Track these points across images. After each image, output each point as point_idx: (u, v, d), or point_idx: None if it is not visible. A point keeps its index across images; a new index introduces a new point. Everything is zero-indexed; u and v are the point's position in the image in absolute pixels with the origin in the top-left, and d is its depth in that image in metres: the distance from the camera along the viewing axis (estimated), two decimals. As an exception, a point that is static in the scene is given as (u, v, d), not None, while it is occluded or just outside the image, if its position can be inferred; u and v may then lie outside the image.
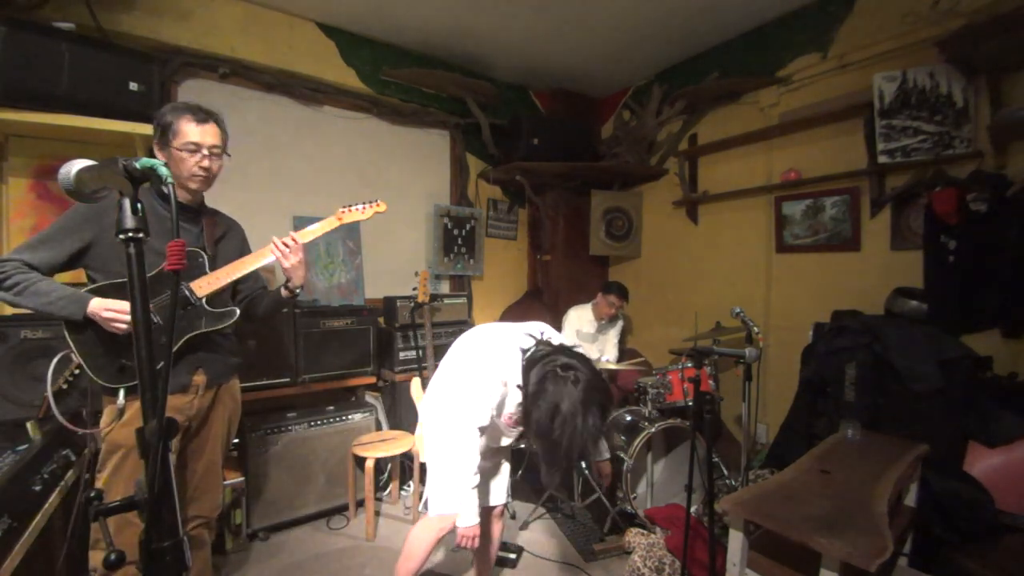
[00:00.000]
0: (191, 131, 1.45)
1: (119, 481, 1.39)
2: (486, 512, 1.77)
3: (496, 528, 1.86)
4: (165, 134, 1.45)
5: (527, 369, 1.39)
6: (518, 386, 1.40)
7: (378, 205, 1.81)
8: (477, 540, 1.48)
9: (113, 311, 1.31)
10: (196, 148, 1.46)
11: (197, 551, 1.63)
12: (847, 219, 2.72)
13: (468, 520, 1.46)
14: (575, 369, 1.33)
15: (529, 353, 1.44)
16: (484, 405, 1.46)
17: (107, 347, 1.38)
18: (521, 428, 1.54)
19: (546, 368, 1.35)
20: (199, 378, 1.52)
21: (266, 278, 1.76)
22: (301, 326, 2.67)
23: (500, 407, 1.51)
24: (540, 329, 1.56)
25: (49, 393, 1.53)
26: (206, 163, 1.49)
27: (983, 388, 2.08)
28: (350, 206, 1.78)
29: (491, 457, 1.73)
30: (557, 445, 1.29)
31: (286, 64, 2.91)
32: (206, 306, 1.51)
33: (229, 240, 1.68)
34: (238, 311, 1.58)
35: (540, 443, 1.34)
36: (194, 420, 1.55)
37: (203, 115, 1.48)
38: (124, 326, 1.32)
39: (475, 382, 1.48)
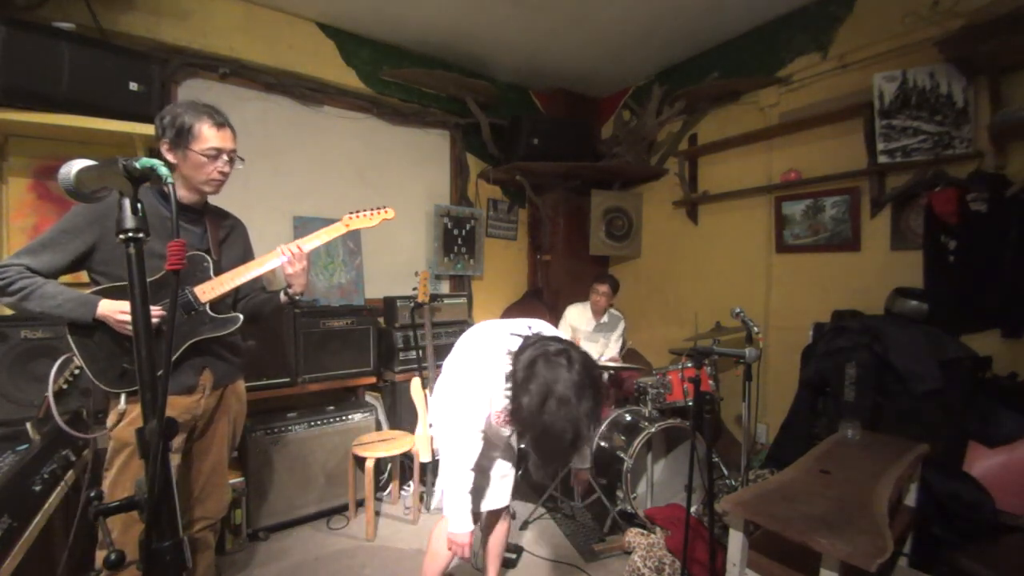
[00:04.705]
0: (212, 136, 1.43)
1: (126, 479, 1.38)
2: (491, 514, 1.77)
3: (501, 528, 1.84)
4: (182, 136, 1.41)
5: (516, 357, 1.34)
6: (506, 377, 1.35)
7: (385, 212, 1.75)
8: (467, 550, 1.44)
9: (128, 315, 1.29)
10: (217, 153, 1.45)
11: (202, 553, 1.62)
12: (847, 219, 2.72)
13: (458, 527, 1.44)
14: (566, 353, 1.29)
15: (518, 346, 1.39)
16: (476, 411, 1.44)
17: (110, 350, 1.37)
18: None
19: (536, 353, 1.30)
20: (206, 378, 1.52)
21: (266, 278, 1.75)
22: (301, 326, 2.67)
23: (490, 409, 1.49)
24: (528, 324, 1.52)
25: (51, 396, 1.52)
26: (227, 168, 1.49)
27: (983, 388, 2.08)
28: (357, 212, 1.72)
29: (492, 457, 1.72)
30: (549, 431, 1.23)
31: (286, 64, 2.92)
32: (209, 311, 1.50)
33: (232, 241, 1.67)
34: (242, 318, 1.56)
35: (530, 431, 1.28)
36: (200, 420, 1.55)
37: (220, 118, 1.46)
38: None
39: (465, 390, 1.46)
